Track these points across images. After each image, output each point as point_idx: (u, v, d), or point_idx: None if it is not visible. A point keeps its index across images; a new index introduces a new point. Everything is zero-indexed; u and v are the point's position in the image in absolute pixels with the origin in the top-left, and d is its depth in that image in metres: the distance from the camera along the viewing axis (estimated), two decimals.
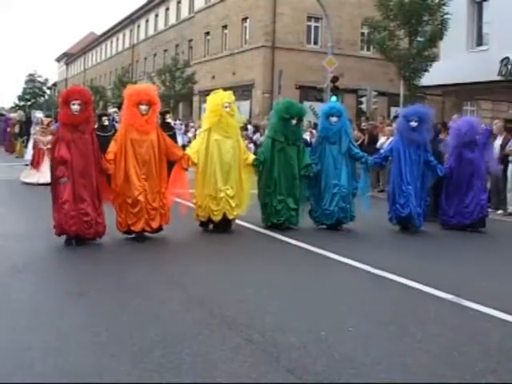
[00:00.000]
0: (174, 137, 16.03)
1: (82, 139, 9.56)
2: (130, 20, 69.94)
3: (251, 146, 26.89)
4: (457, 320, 6.62)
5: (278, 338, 5.78)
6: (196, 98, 49.84)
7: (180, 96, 47.52)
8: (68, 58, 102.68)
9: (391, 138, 17.56)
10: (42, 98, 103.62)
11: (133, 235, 10.38)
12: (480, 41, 28.23)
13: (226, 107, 11.23)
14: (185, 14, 54.78)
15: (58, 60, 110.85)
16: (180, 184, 10.85)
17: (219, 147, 11.20)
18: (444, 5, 26.75)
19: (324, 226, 12.19)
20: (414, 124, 12.03)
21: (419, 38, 27.76)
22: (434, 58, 27.88)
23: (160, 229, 10.54)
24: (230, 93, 11.61)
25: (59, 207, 9.46)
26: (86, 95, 9.85)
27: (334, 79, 28.70)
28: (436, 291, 7.65)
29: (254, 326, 6.10)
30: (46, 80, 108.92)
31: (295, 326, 6.17)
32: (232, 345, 5.59)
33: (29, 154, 22.53)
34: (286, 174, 11.80)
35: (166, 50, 58.24)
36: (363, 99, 30.18)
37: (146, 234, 10.39)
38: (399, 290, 7.82)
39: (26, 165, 21.36)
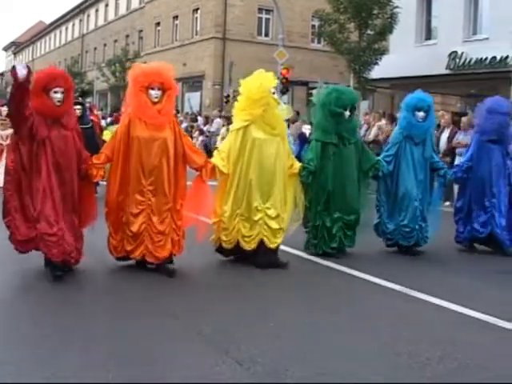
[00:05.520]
0: None
1: (61, 137, 7.37)
2: (80, 9, 69.11)
3: (201, 138, 26.93)
4: (405, 310, 6.72)
5: (227, 330, 5.77)
6: None
7: None
8: (16, 47, 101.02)
9: None
10: None
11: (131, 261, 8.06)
12: (429, 35, 28.53)
13: (273, 93, 8.37)
14: (135, 4, 54.34)
15: (6, 49, 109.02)
16: (199, 202, 8.12)
17: (260, 149, 8.24)
18: None
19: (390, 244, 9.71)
20: None
21: (369, 32, 27.98)
22: (383, 52, 28.11)
23: (170, 259, 7.88)
24: (272, 74, 8.53)
25: (27, 223, 7.33)
26: (69, 80, 7.61)
27: (285, 71, 28.70)
28: (385, 282, 7.73)
29: (203, 320, 6.08)
30: None
31: (244, 318, 6.19)
32: (182, 337, 5.58)
33: None
34: (343, 183, 9.00)
35: (116, 41, 57.71)
36: (314, 91, 30.24)
37: (149, 265, 7.91)
38: (348, 281, 7.90)
39: None
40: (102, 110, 42.56)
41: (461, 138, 15.51)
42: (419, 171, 9.43)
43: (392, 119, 18.54)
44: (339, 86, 9.66)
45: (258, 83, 8.26)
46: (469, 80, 25.58)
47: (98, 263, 8.01)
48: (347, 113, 8.95)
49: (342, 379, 4.80)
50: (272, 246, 8.31)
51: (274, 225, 8.28)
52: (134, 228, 7.64)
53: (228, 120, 25.88)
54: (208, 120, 29.42)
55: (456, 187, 12.92)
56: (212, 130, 27.26)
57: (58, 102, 7.29)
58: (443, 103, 27.97)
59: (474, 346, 5.65)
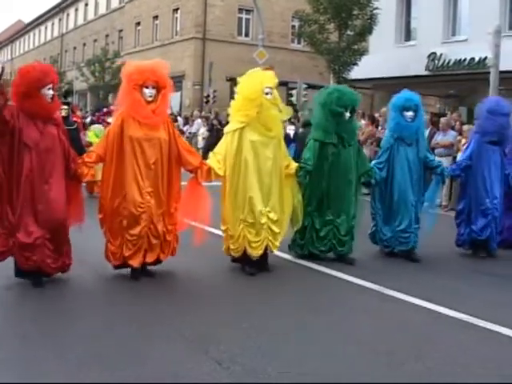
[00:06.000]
0: None
1: (50, 135, 6.93)
2: (59, 8, 68.76)
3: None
4: (385, 310, 6.75)
5: (207, 331, 5.78)
6: None
7: (110, 87, 47.01)
8: None
9: None
10: None
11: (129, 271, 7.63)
12: (408, 36, 28.71)
13: (266, 94, 7.93)
14: (115, 3, 54.16)
15: None
16: (195, 205, 7.71)
17: (256, 152, 7.92)
18: None
19: (387, 250, 9.40)
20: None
21: (349, 32, 28.11)
22: (363, 52, 28.26)
23: (158, 262, 7.73)
24: (272, 73, 8.21)
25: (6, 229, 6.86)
26: (54, 74, 7.21)
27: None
28: (362, 281, 7.75)
29: (183, 321, 6.10)
30: None
31: (224, 319, 6.20)
32: (162, 338, 5.57)
33: None
34: (338, 185, 8.70)
35: (95, 40, 57.49)
36: (293, 92, 30.30)
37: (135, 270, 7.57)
38: (329, 282, 7.93)
39: None
40: (81, 110, 42.35)
41: (439, 138, 15.62)
42: (414, 172, 9.16)
43: (372, 120, 18.67)
44: (341, 87, 9.51)
45: (251, 83, 7.99)
46: (448, 81, 25.77)
47: (82, 267, 7.78)
48: (347, 114, 8.64)
49: (321, 379, 4.82)
50: (275, 249, 8.19)
51: (275, 228, 8.06)
52: (136, 231, 7.33)
53: (207, 120, 25.87)
54: (188, 120, 29.34)
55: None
56: (193, 130, 27.16)
57: (50, 98, 6.91)
58: (422, 104, 28.12)
59: (454, 346, 5.68)
